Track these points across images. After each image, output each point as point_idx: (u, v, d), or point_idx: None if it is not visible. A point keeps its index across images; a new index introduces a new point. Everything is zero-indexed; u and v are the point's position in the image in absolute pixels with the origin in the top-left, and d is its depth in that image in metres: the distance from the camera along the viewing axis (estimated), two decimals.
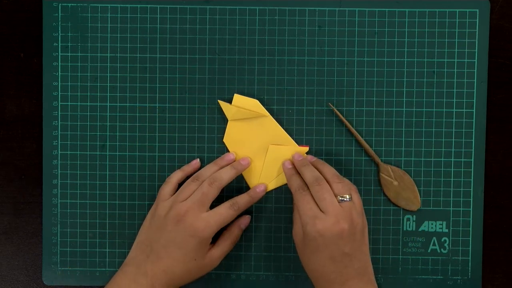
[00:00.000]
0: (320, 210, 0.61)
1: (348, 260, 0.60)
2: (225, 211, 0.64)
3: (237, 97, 0.68)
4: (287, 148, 0.68)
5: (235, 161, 0.68)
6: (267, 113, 0.68)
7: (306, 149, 0.68)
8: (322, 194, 0.61)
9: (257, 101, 0.68)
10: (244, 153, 0.68)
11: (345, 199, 0.61)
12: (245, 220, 0.68)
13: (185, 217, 0.62)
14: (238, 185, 0.69)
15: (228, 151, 0.69)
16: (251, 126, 0.68)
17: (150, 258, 0.62)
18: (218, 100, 0.68)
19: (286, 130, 0.68)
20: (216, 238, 0.65)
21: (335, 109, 0.68)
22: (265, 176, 0.68)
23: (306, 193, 0.63)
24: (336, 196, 0.61)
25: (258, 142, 0.68)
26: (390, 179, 0.68)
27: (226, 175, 0.65)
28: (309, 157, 0.67)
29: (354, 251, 0.60)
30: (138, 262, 0.63)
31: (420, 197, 0.69)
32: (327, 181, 0.63)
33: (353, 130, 0.68)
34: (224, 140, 0.69)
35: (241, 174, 0.68)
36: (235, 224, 0.67)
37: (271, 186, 0.68)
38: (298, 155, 0.67)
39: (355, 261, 0.60)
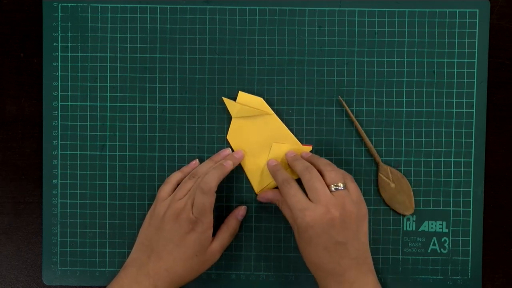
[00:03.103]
0: (310, 200, 0.60)
1: (343, 249, 0.59)
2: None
3: (241, 95, 0.68)
4: (290, 146, 0.68)
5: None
6: (271, 111, 0.68)
7: (310, 148, 0.68)
8: (313, 183, 0.60)
9: (261, 99, 0.68)
10: (247, 150, 0.68)
11: (338, 188, 0.60)
12: (242, 211, 0.68)
13: (181, 215, 0.62)
14: (238, 185, 0.69)
15: (230, 147, 0.69)
16: (255, 123, 0.68)
17: (151, 258, 0.62)
18: (223, 97, 0.68)
19: None
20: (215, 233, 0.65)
21: (344, 103, 0.68)
22: (267, 173, 0.68)
23: (292, 185, 0.62)
24: (329, 185, 0.61)
25: (262, 139, 0.68)
26: (388, 181, 0.68)
27: (228, 167, 0.65)
28: (304, 153, 0.67)
29: (348, 239, 0.59)
30: (140, 263, 0.62)
31: (420, 197, 0.69)
32: (320, 171, 0.62)
33: (358, 126, 0.68)
34: (228, 137, 0.69)
35: (244, 172, 0.68)
36: (231, 215, 0.67)
37: (273, 184, 0.68)
38: (291, 152, 0.67)
39: (351, 250, 0.60)
